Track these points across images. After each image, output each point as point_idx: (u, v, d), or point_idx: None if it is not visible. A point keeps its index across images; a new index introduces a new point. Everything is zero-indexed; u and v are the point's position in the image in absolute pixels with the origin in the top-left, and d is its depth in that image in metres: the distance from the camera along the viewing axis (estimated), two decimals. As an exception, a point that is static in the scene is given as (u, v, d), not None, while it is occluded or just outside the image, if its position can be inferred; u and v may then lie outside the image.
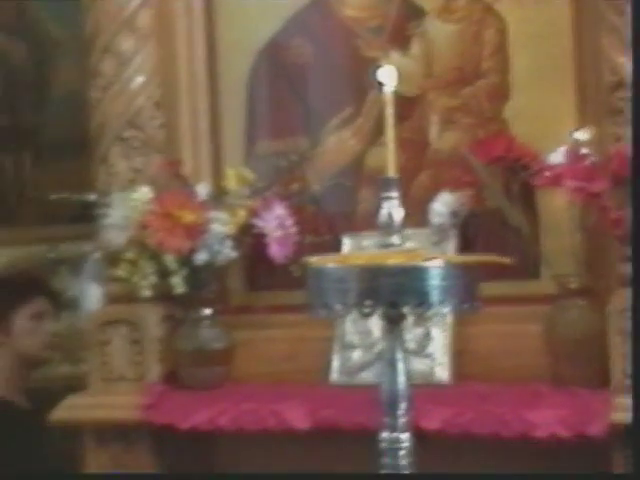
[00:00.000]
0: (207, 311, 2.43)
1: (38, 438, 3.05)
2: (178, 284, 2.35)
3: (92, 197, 2.53)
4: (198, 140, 2.57)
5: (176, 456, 2.43)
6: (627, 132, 1.97)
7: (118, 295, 2.46)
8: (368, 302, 1.62)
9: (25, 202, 4.45)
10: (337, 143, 2.53)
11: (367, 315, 1.66)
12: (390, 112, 1.69)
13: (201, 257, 2.36)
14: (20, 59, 4.38)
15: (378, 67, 1.73)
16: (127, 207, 2.38)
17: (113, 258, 2.42)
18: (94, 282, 3.05)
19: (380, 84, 1.71)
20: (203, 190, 2.42)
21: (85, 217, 4.19)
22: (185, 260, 2.36)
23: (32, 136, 4.41)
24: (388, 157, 1.70)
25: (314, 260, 1.71)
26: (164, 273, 2.36)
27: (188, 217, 2.34)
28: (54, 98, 4.39)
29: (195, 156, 2.56)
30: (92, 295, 3.06)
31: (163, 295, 2.41)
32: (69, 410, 2.42)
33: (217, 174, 2.55)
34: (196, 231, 2.34)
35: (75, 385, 3.26)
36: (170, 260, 2.34)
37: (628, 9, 2.02)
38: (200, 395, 2.35)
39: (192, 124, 2.57)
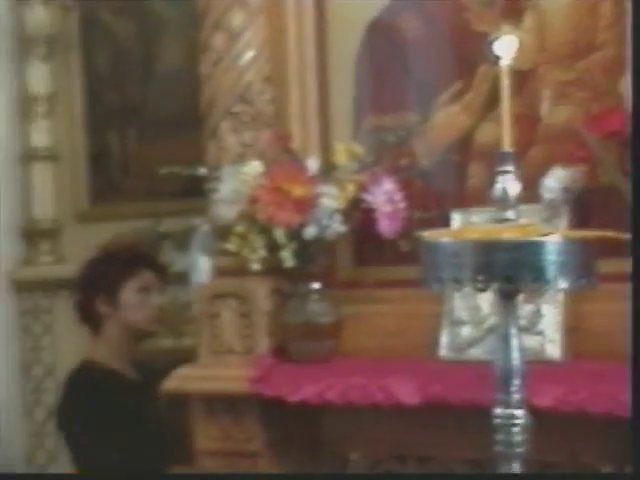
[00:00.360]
0: (315, 285, 2.44)
1: (146, 409, 3.11)
2: (287, 258, 2.37)
3: (202, 171, 2.55)
4: (307, 115, 2.58)
5: (283, 429, 2.45)
6: None
7: (227, 269, 2.48)
8: (482, 277, 1.61)
9: (130, 177, 4.53)
10: (446, 118, 2.51)
11: (481, 290, 1.65)
12: (506, 84, 1.67)
13: (310, 231, 2.37)
14: (127, 37, 4.45)
15: (494, 39, 1.71)
16: (237, 181, 2.40)
17: (223, 232, 2.45)
18: (203, 255, 3.08)
19: (496, 56, 1.69)
20: (313, 164, 2.42)
21: (189, 192, 4.28)
22: (294, 234, 2.37)
23: (138, 112, 4.47)
24: (503, 130, 1.68)
25: (428, 234, 1.70)
26: (273, 247, 2.38)
27: (298, 191, 2.34)
28: (159, 75, 4.45)
29: (304, 131, 2.57)
30: (201, 268, 3.10)
31: (272, 269, 2.43)
32: (180, 381, 2.46)
33: (326, 149, 2.55)
34: (306, 205, 2.35)
35: (179, 359, 3.32)
36: (279, 234, 2.36)
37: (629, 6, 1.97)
38: (308, 369, 2.36)
39: (301, 99, 2.57)
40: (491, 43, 1.71)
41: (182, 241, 4.27)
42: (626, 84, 2.00)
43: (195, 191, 4.17)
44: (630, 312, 2.09)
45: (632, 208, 1.78)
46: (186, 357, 2.77)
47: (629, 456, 1.75)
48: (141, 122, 4.47)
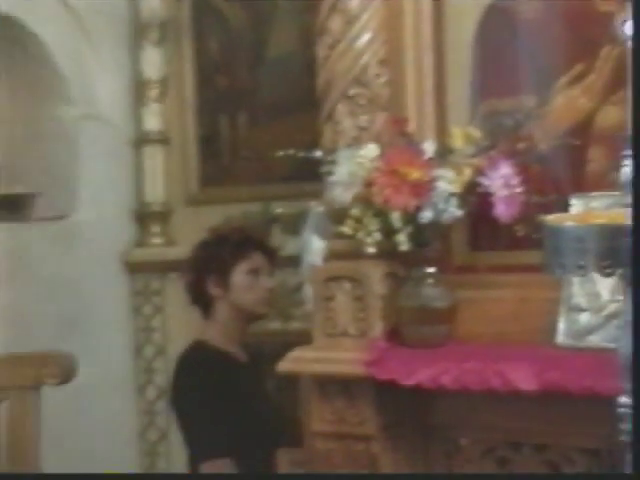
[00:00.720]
0: (430, 269, 2.43)
1: (256, 391, 3.14)
2: (403, 242, 2.36)
3: (318, 154, 2.56)
4: (423, 98, 2.56)
5: (396, 412, 2.45)
6: None
7: (342, 251, 2.49)
8: (608, 262, 1.58)
9: (240, 161, 4.57)
10: (565, 101, 2.46)
11: (607, 275, 1.61)
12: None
13: (426, 215, 2.36)
14: (239, 22, 4.49)
15: (626, 19, 1.67)
16: (353, 164, 2.39)
17: (338, 215, 2.45)
18: (316, 237, 3.10)
19: (627, 37, 1.65)
20: (429, 148, 2.41)
21: (298, 176, 4.30)
22: (410, 218, 2.36)
23: (248, 96, 4.51)
24: (628, 114, 1.64)
25: (551, 219, 1.67)
26: (388, 230, 2.37)
27: (414, 175, 2.33)
28: (270, 59, 4.48)
29: (420, 114, 2.55)
30: (314, 249, 3.11)
31: (386, 252, 2.42)
32: (294, 363, 2.48)
33: (441, 132, 2.54)
34: (422, 189, 2.34)
35: (287, 342, 3.34)
36: (395, 217, 2.35)
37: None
38: (422, 353, 2.36)
39: (417, 82, 2.56)
40: (622, 23, 1.67)
41: (291, 225, 4.31)
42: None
43: (304, 175, 4.22)
44: None
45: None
46: (294, 340, 2.79)
47: None
48: (251, 106, 4.51)
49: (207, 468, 2.90)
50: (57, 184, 4.33)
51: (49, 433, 2.67)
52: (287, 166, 4.39)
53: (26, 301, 4.15)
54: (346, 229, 2.40)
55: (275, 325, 4.25)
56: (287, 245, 3.83)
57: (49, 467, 2.65)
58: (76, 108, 4.34)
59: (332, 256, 2.54)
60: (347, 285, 2.46)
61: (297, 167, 4.31)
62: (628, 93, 1.63)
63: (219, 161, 4.58)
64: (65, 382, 2.65)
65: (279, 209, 4.35)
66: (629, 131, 1.64)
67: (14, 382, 2.64)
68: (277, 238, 4.06)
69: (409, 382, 2.27)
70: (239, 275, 3.11)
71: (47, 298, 4.19)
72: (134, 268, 4.56)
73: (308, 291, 3.24)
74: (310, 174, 4.06)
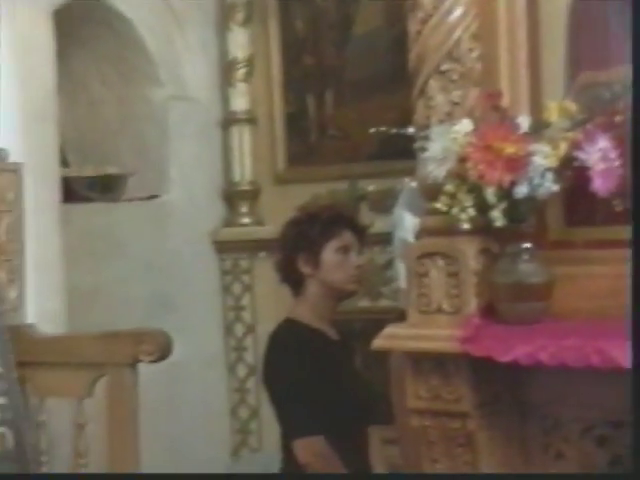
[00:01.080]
0: (526, 245, 2.39)
1: (347, 368, 3.15)
2: (497, 217, 2.33)
3: (410, 130, 2.54)
4: (516, 71, 2.52)
5: (492, 390, 2.43)
6: None
7: (436, 228, 2.47)
8: None
9: (326, 140, 4.58)
10: (665, 71, 2.40)
11: None
12: None
13: (521, 190, 2.32)
14: (324, 0, 4.49)
15: None
16: (447, 140, 2.37)
17: (431, 191, 2.43)
18: (409, 213, 3.09)
19: None
20: (524, 122, 2.37)
21: (385, 154, 4.30)
22: (505, 193, 2.33)
23: (335, 75, 4.51)
24: None
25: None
26: (483, 206, 2.35)
27: (509, 149, 2.30)
28: (356, 37, 4.47)
29: (513, 88, 2.51)
30: (406, 226, 3.10)
31: (481, 228, 2.40)
32: (388, 339, 2.47)
33: (535, 106, 2.49)
34: (517, 164, 2.31)
35: (376, 320, 3.33)
36: (490, 193, 2.32)
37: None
38: (518, 329, 2.33)
39: (511, 55, 2.52)
40: None
41: (378, 202, 4.30)
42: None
43: (391, 153, 4.21)
44: None
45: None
46: (383, 318, 2.79)
47: None
48: (338, 84, 4.51)
49: (300, 445, 2.92)
50: (148, 165, 4.40)
51: (144, 409, 2.71)
52: (373, 144, 4.38)
53: (119, 280, 4.23)
54: (440, 205, 2.37)
55: (364, 303, 4.26)
56: (375, 223, 3.82)
57: (145, 442, 2.69)
58: (165, 89, 4.39)
59: (425, 232, 2.53)
60: (441, 261, 2.44)
61: (383, 145, 4.31)
62: None
63: (306, 140, 4.59)
64: (161, 359, 2.69)
65: (366, 187, 4.35)
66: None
67: (112, 359, 2.68)
68: (365, 216, 4.06)
69: (506, 359, 2.25)
70: (329, 253, 3.12)
71: (139, 277, 4.27)
72: (223, 247, 4.61)
73: (399, 268, 3.23)
74: (397, 152, 4.06)
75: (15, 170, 2.86)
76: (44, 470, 2.72)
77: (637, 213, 1.97)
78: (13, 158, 2.85)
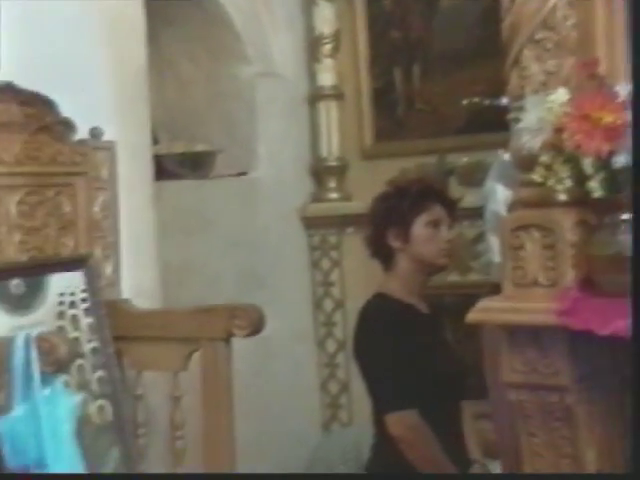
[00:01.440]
0: (625, 216, 2.34)
1: (438, 342, 3.13)
2: (595, 188, 2.28)
3: (504, 101, 2.50)
4: (614, 38, 2.46)
5: (591, 363, 2.39)
6: None
7: (531, 199, 2.43)
8: None
9: (414, 114, 4.55)
10: None
11: None
12: None
13: (620, 160, 2.27)
14: (412, -27, 4.46)
15: None
16: (542, 110, 2.33)
17: (527, 162, 2.39)
18: (501, 185, 3.05)
19: None
20: (622, 90, 2.32)
21: (473, 128, 4.25)
22: (603, 163, 2.28)
23: (422, 48, 4.48)
24: None
25: None
26: (580, 177, 2.30)
27: (607, 119, 2.25)
28: (443, 9, 4.43)
29: (610, 55, 2.45)
30: (499, 198, 3.07)
31: (577, 200, 2.36)
32: (483, 313, 2.44)
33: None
34: (615, 133, 2.26)
35: (465, 294, 3.31)
36: (587, 163, 2.28)
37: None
38: (618, 302, 2.28)
39: (607, 22, 2.46)
40: None
41: (467, 176, 4.27)
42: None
43: (479, 126, 4.17)
44: None
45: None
46: (473, 292, 2.76)
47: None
48: (425, 57, 4.47)
49: (393, 419, 2.92)
50: (236, 142, 4.42)
51: (236, 384, 2.73)
52: (462, 117, 4.34)
53: (209, 257, 4.28)
54: (535, 177, 2.34)
55: (454, 277, 4.24)
56: (465, 197, 3.79)
57: (237, 416, 2.72)
58: (252, 67, 4.41)
59: (520, 204, 2.49)
60: (537, 234, 2.40)
61: (472, 118, 4.26)
62: None
63: (393, 114, 4.57)
64: (254, 334, 2.70)
65: (454, 161, 4.31)
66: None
67: (205, 333, 2.71)
68: (454, 190, 4.03)
69: (605, 332, 2.20)
70: (419, 227, 3.10)
71: (229, 254, 4.31)
72: (311, 223, 4.62)
73: (491, 241, 3.20)
74: (485, 125, 4.03)
75: (109, 148, 2.90)
76: (142, 442, 2.76)
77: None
78: (107, 136, 2.89)
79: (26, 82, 2.63)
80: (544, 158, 2.32)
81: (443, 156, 4.34)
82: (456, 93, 4.26)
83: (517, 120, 2.43)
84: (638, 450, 1.60)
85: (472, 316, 2.45)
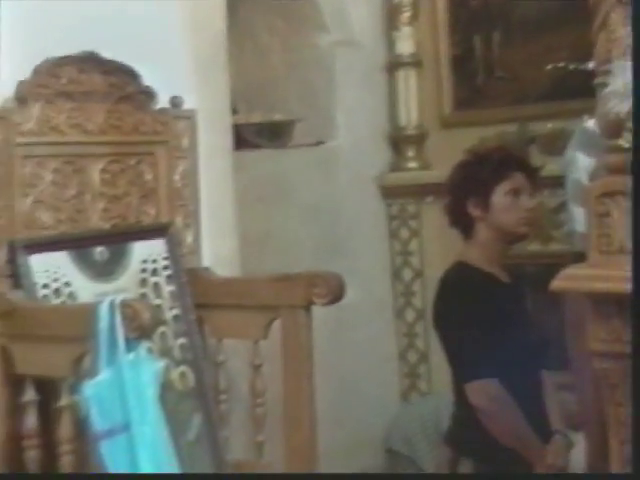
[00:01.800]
0: None
1: (519, 312, 3.10)
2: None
3: (590, 65, 2.45)
4: None
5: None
6: None
7: (617, 166, 2.38)
8: None
9: (494, 82, 4.50)
10: None
11: None
12: None
13: None
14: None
15: None
16: (630, 74, 2.27)
17: (613, 127, 2.34)
18: (582, 154, 3.00)
19: None
20: None
21: (552, 95, 4.19)
22: (692, 128, 2.22)
23: (502, 15, 4.41)
24: None
25: None
26: (668, 143, 2.25)
27: (697, 82, 2.19)
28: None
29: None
30: (580, 166, 3.01)
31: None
32: (568, 280, 2.40)
33: None
34: None
35: (546, 264, 3.26)
36: (678, 128, 2.22)
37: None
38: None
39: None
40: None
41: (549, 144, 4.20)
42: None
43: (559, 93, 4.10)
44: None
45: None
46: (554, 262, 2.72)
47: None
48: (505, 24, 4.41)
49: (474, 388, 2.90)
50: (314, 111, 4.42)
51: (315, 352, 2.73)
52: (543, 85, 4.28)
53: (287, 226, 4.29)
54: (622, 142, 2.29)
55: (534, 247, 4.19)
56: (546, 165, 3.73)
57: (317, 384, 2.72)
58: (331, 35, 4.40)
59: (606, 171, 2.43)
60: (623, 200, 2.35)
61: (553, 85, 4.20)
62: None
63: (473, 82, 4.52)
64: (334, 302, 2.69)
65: (536, 129, 4.25)
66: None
67: (285, 301, 2.71)
68: (535, 159, 3.97)
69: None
70: (500, 195, 3.07)
71: (307, 222, 4.31)
72: (390, 192, 4.60)
73: (573, 211, 3.15)
74: (567, 92, 3.96)
75: (190, 117, 2.91)
76: (223, 408, 2.79)
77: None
78: (187, 105, 2.90)
79: (108, 52, 2.65)
80: (630, 124, 2.27)
81: (524, 124, 4.28)
82: (537, 60, 4.20)
83: (603, 85, 2.37)
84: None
85: (556, 284, 2.40)
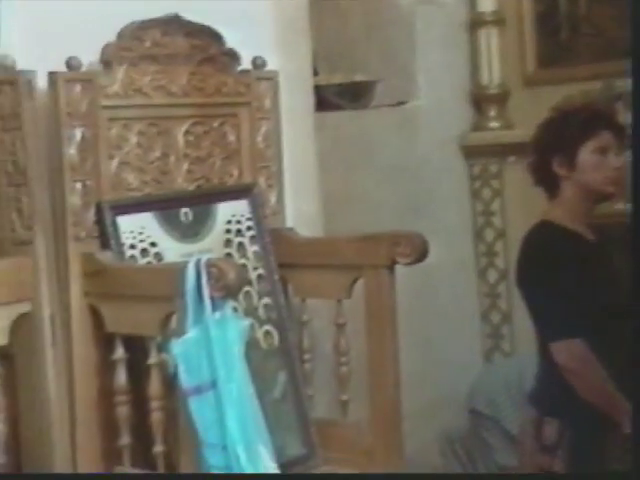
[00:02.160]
0: None
1: (604, 271, 3.06)
2: None
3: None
4: None
5: None
6: None
7: None
8: None
9: (579, 38, 4.41)
10: None
11: None
12: None
13: None
14: None
15: None
16: None
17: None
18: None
19: None
20: None
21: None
22: None
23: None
24: None
25: None
26: None
27: None
28: None
29: None
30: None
31: None
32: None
33: None
34: None
35: None
36: None
37: None
38: None
39: None
40: None
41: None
42: None
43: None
44: None
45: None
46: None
47: None
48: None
49: (559, 348, 2.88)
50: (395, 71, 4.40)
51: (398, 312, 2.74)
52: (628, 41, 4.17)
53: (369, 186, 4.29)
54: None
55: (621, 206, 4.11)
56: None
57: (400, 344, 2.73)
58: (412, -6, 4.35)
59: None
60: None
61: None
62: None
63: (557, 39, 4.44)
64: (417, 261, 2.69)
65: (623, 86, 4.16)
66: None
67: (369, 261, 2.71)
68: (622, 116, 3.89)
69: None
70: (586, 154, 3.02)
71: (389, 183, 4.31)
72: (472, 152, 4.57)
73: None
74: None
75: (272, 78, 2.91)
76: (307, 367, 2.81)
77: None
78: (269, 67, 2.90)
79: (191, 15, 2.67)
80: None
81: (611, 81, 4.20)
82: (624, 15, 4.09)
83: None
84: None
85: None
